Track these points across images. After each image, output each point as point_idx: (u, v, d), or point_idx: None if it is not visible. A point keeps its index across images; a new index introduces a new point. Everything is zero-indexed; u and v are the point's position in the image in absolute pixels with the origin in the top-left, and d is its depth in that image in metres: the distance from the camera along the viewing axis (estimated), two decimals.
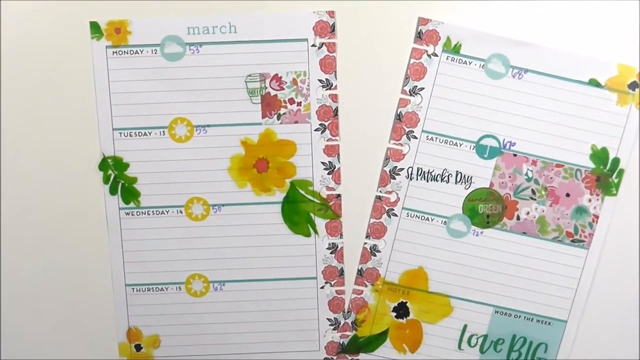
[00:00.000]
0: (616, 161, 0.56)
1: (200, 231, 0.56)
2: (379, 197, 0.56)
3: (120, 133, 0.55)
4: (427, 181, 0.56)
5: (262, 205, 0.56)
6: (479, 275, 0.57)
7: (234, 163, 0.56)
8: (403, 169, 0.56)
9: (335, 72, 0.55)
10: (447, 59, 0.55)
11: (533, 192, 0.56)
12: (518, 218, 0.56)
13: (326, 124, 0.55)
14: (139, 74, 0.54)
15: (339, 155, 0.56)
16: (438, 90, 0.55)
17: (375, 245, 0.57)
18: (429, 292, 0.57)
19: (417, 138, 0.55)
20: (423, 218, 0.56)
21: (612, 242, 0.56)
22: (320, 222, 0.56)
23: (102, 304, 0.57)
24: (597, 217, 0.56)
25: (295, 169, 0.56)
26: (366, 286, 0.57)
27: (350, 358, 0.58)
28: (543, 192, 0.56)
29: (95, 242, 0.56)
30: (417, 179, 0.56)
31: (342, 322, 0.58)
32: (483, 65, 0.55)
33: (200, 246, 0.56)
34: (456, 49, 0.55)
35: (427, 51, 0.55)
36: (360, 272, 0.57)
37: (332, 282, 0.57)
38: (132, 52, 0.54)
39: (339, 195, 0.56)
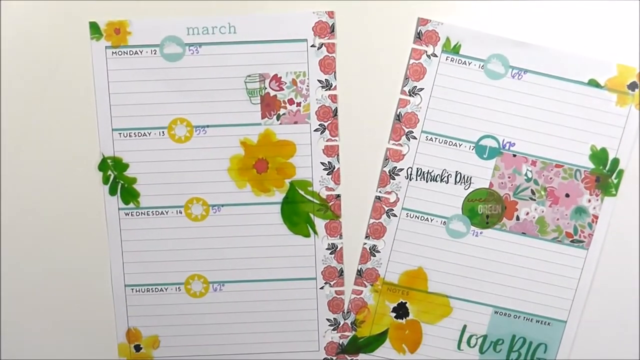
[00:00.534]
0: (616, 162, 0.56)
1: (199, 231, 0.56)
2: (378, 198, 0.56)
3: (120, 133, 0.55)
4: (427, 181, 0.56)
5: (262, 205, 0.56)
6: (478, 276, 0.57)
7: (234, 163, 0.56)
8: (402, 169, 0.56)
9: (335, 72, 0.55)
10: (446, 59, 0.55)
11: (532, 192, 0.56)
12: (517, 218, 0.56)
13: (326, 124, 0.55)
14: (139, 75, 0.54)
15: (338, 155, 0.56)
16: (437, 91, 0.55)
17: (374, 245, 0.57)
18: (428, 292, 0.57)
19: (416, 138, 0.55)
20: (422, 218, 0.56)
21: (612, 243, 0.56)
22: (320, 223, 0.56)
23: (101, 304, 0.57)
24: (596, 217, 0.56)
25: (294, 170, 0.56)
26: (366, 286, 0.57)
27: (349, 358, 0.58)
28: (542, 193, 0.56)
29: (95, 243, 0.56)
30: (416, 180, 0.56)
31: (341, 323, 0.58)
32: (482, 66, 0.55)
33: (199, 246, 0.56)
34: (456, 50, 0.55)
35: (426, 52, 0.55)
36: (359, 273, 0.57)
37: (332, 283, 0.57)
38: (131, 53, 0.54)
39: (338, 196, 0.56)
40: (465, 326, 0.57)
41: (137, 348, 0.58)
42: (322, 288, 0.57)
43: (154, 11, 0.54)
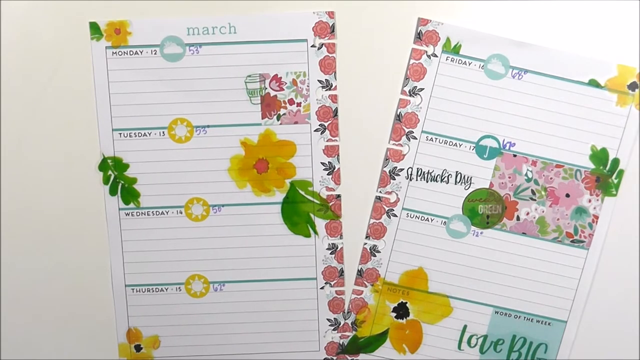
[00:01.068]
0: (616, 162, 0.56)
1: (200, 232, 0.56)
2: (378, 198, 0.56)
3: (120, 134, 0.55)
4: (427, 182, 0.56)
5: (262, 205, 0.56)
6: (478, 276, 0.57)
7: (234, 163, 0.56)
8: (403, 169, 0.56)
9: (335, 72, 0.55)
10: (446, 59, 0.55)
11: (533, 192, 0.56)
12: (518, 218, 0.56)
13: (326, 124, 0.55)
14: (139, 75, 0.54)
15: (338, 155, 0.56)
16: (438, 91, 0.55)
17: (375, 245, 0.57)
18: (428, 292, 0.57)
19: (416, 139, 0.55)
20: (423, 218, 0.56)
21: (612, 243, 0.56)
22: (320, 223, 0.56)
23: (102, 304, 0.57)
24: (597, 217, 0.56)
25: (295, 170, 0.56)
26: (366, 286, 0.57)
27: (350, 358, 0.58)
28: (543, 193, 0.56)
29: (95, 243, 0.56)
30: (416, 180, 0.56)
31: (342, 323, 0.58)
32: (483, 66, 0.55)
33: (200, 247, 0.56)
34: (456, 50, 0.55)
35: (426, 52, 0.55)
36: (360, 273, 0.57)
37: (332, 283, 0.57)
38: (131, 53, 0.54)
39: (338, 196, 0.56)
40: (465, 326, 0.57)
41: (138, 348, 0.58)
42: (322, 288, 0.57)
43: (154, 11, 0.54)
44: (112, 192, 0.56)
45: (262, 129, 0.55)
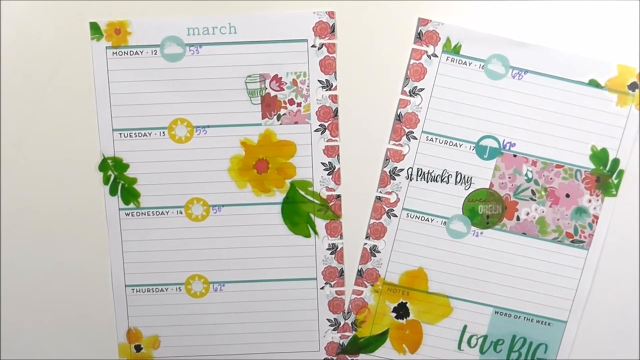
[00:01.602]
0: (616, 162, 0.56)
1: (200, 232, 0.56)
2: (378, 198, 0.56)
3: (120, 134, 0.55)
4: (427, 182, 0.56)
5: (262, 205, 0.56)
6: (478, 276, 0.57)
7: (234, 164, 0.56)
8: (403, 169, 0.56)
9: (335, 72, 0.55)
10: (447, 59, 0.55)
11: (533, 192, 0.56)
12: (518, 219, 0.56)
13: (326, 124, 0.55)
14: (139, 75, 0.54)
15: (338, 155, 0.56)
16: (438, 91, 0.55)
17: (375, 245, 0.57)
18: (428, 292, 0.57)
19: (417, 139, 0.55)
20: (423, 219, 0.56)
21: (612, 243, 0.56)
22: (320, 223, 0.56)
23: (102, 304, 0.57)
24: (597, 217, 0.56)
25: (295, 170, 0.56)
26: (366, 287, 0.57)
27: (350, 358, 0.58)
28: (543, 193, 0.56)
29: (95, 243, 0.56)
30: (417, 180, 0.56)
31: (342, 323, 0.58)
32: (483, 66, 0.55)
33: (200, 247, 0.56)
34: (456, 50, 0.55)
35: (427, 52, 0.55)
36: (360, 273, 0.57)
37: (332, 283, 0.57)
38: (132, 53, 0.54)
39: (338, 196, 0.56)
40: (465, 326, 0.57)
41: (138, 348, 0.58)
42: (322, 288, 0.57)
43: (155, 11, 0.54)
44: (112, 192, 0.56)
45: (262, 129, 0.55)
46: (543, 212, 0.56)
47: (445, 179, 0.56)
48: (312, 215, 0.56)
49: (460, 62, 0.55)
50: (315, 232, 0.56)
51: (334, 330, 0.58)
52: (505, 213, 0.56)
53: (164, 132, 0.55)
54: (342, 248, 0.57)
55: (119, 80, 0.54)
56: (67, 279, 0.57)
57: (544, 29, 0.55)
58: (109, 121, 0.55)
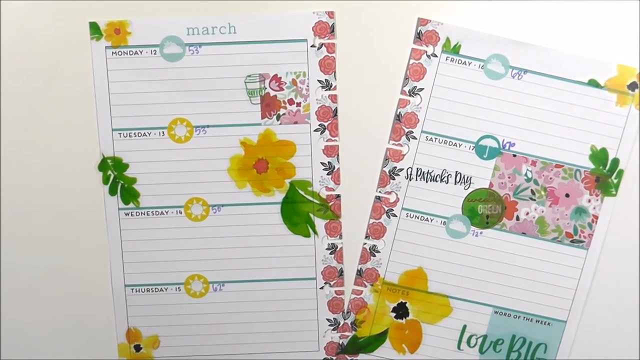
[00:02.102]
0: (615, 162, 0.56)
1: (199, 232, 0.56)
2: (378, 198, 0.56)
3: (120, 133, 0.55)
4: (427, 182, 0.56)
5: (262, 205, 0.56)
6: (478, 276, 0.57)
7: (234, 163, 0.56)
8: (402, 169, 0.56)
9: (335, 72, 0.55)
10: (446, 59, 0.55)
11: (532, 192, 0.56)
12: (517, 218, 0.56)
13: (325, 124, 0.55)
14: (139, 75, 0.54)
15: (338, 155, 0.56)
16: (437, 91, 0.55)
17: (374, 245, 0.57)
18: (428, 292, 0.57)
19: (416, 138, 0.55)
20: (422, 218, 0.56)
21: (612, 243, 0.56)
22: (320, 223, 0.56)
23: (101, 304, 0.57)
24: (596, 217, 0.56)
25: (294, 170, 0.56)
26: (365, 286, 0.57)
27: (349, 358, 0.58)
28: (542, 193, 0.56)
29: (95, 243, 0.56)
30: (416, 180, 0.56)
31: (341, 323, 0.58)
32: (482, 66, 0.55)
33: (199, 247, 0.56)
34: (455, 50, 0.55)
35: (426, 52, 0.55)
36: (359, 273, 0.57)
37: (332, 283, 0.57)
38: (131, 53, 0.54)
39: (338, 196, 0.56)
40: (465, 326, 0.57)
41: (137, 348, 0.58)
42: (322, 288, 0.57)
43: (154, 11, 0.54)
44: (112, 192, 0.56)
45: (262, 129, 0.55)
46: (543, 212, 0.56)
47: (445, 178, 0.56)
48: (311, 215, 0.56)
49: (460, 62, 0.55)
50: (315, 232, 0.56)
51: (333, 330, 0.58)
52: (504, 213, 0.56)
53: (163, 132, 0.55)
54: (341, 248, 0.57)
55: (118, 80, 0.54)
56: (66, 279, 0.57)
57: (544, 29, 0.55)
58: (108, 121, 0.55)
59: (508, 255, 0.57)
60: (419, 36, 0.55)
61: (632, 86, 0.55)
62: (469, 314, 0.57)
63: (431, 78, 0.55)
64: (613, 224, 0.56)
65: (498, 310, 0.57)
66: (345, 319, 0.58)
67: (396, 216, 0.56)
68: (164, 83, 0.55)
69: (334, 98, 0.55)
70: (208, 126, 0.55)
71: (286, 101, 0.55)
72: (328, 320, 0.58)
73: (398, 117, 0.55)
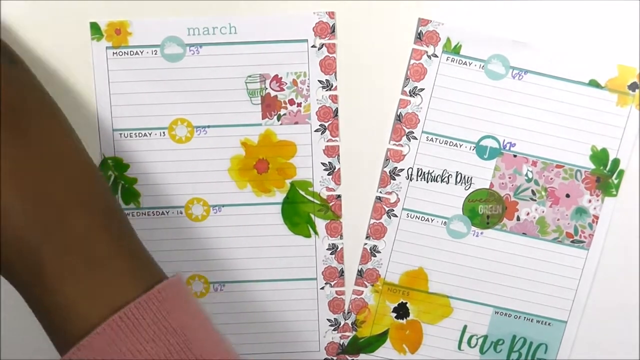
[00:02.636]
0: (616, 162, 0.56)
1: (200, 232, 0.56)
2: (379, 198, 0.56)
3: (121, 134, 0.55)
4: (427, 182, 0.56)
5: (262, 206, 0.56)
6: (478, 276, 0.57)
7: (234, 164, 0.56)
8: (403, 169, 0.56)
9: (336, 73, 0.55)
10: (447, 59, 0.55)
11: (533, 192, 0.56)
12: (518, 219, 0.56)
13: (326, 124, 0.55)
14: (139, 75, 0.54)
15: (339, 156, 0.56)
16: (438, 91, 0.55)
17: (375, 245, 0.57)
18: (429, 292, 0.57)
19: (417, 139, 0.55)
20: (423, 219, 0.56)
21: (612, 243, 0.56)
22: (320, 223, 0.56)
23: None
24: (597, 217, 0.56)
25: (295, 170, 0.56)
26: (366, 287, 0.57)
27: (350, 359, 0.58)
28: (543, 193, 0.56)
29: None
30: (417, 180, 0.56)
31: (342, 323, 0.58)
32: (483, 66, 0.55)
33: (200, 247, 0.56)
34: (456, 50, 0.55)
35: (427, 52, 0.55)
36: (360, 273, 0.57)
37: (332, 283, 0.57)
38: (132, 53, 0.54)
39: (339, 196, 0.56)
40: (465, 326, 0.58)
41: None
42: (322, 288, 0.57)
43: (155, 11, 0.54)
44: (113, 192, 0.56)
45: (263, 129, 0.55)
46: (543, 212, 0.56)
47: (446, 179, 0.56)
48: (312, 216, 0.56)
49: (461, 62, 0.55)
50: (316, 232, 0.56)
51: (334, 330, 0.58)
52: (505, 213, 0.56)
53: (164, 133, 0.55)
54: (342, 248, 0.57)
55: (119, 81, 0.54)
56: None
57: (545, 29, 0.54)
58: (109, 121, 0.55)
59: (508, 255, 0.57)
60: (419, 36, 0.55)
61: (633, 86, 0.55)
62: (469, 314, 0.57)
63: (432, 78, 0.55)
64: (614, 224, 0.56)
65: (498, 311, 0.57)
66: (345, 319, 0.58)
67: (397, 216, 0.56)
68: (164, 83, 0.54)
69: (334, 98, 0.55)
70: (209, 126, 0.55)
71: (287, 101, 0.55)
72: (329, 320, 0.58)
73: (399, 118, 0.55)
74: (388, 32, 0.55)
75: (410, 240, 0.57)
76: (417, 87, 0.55)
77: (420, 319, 0.58)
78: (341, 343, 0.58)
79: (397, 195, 0.56)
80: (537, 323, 0.57)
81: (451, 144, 0.55)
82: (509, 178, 0.56)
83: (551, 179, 0.56)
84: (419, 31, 0.55)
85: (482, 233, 0.56)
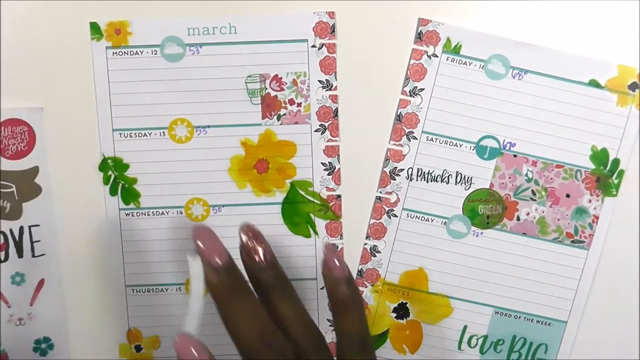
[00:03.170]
0: (616, 162, 0.56)
1: None
2: (379, 198, 0.56)
3: (121, 134, 0.55)
4: (427, 182, 0.56)
5: (262, 206, 0.56)
6: (478, 276, 0.57)
7: (234, 164, 0.56)
8: (403, 169, 0.56)
9: (336, 72, 0.55)
10: (447, 59, 0.55)
11: (533, 192, 0.56)
12: (518, 219, 0.56)
13: (326, 124, 0.55)
14: (139, 75, 0.54)
15: (339, 156, 0.56)
16: (438, 91, 0.55)
17: (375, 245, 0.57)
18: (429, 292, 0.57)
19: (417, 139, 0.55)
20: (423, 219, 0.56)
21: (612, 243, 0.56)
22: (321, 223, 0.56)
23: (101, 304, 0.57)
24: (597, 217, 0.56)
25: (295, 170, 0.56)
26: (366, 287, 0.57)
27: None
28: (543, 193, 0.56)
29: (95, 243, 0.56)
30: (417, 180, 0.56)
31: None
32: (483, 66, 0.55)
33: None
34: (456, 50, 0.55)
35: (427, 52, 0.55)
36: (360, 273, 0.57)
37: None
38: (132, 53, 0.54)
39: (339, 196, 0.56)
40: (465, 326, 0.57)
41: (138, 348, 0.58)
42: (322, 288, 0.57)
43: (155, 11, 0.54)
44: (113, 192, 0.56)
45: (263, 129, 0.55)
46: (543, 212, 0.56)
47: (446, 179, 0.56)
48: (312, 216, 0.56)
49: (461, 62, 0.55)
50: (316, 233, 0.56)
51: (334, 330, 0.58)
52: (505, 213, 0.56)
53: (164, 132, 0.55)
54: (342, 248, 0.57)
55: (119, 81, 0.54)
56: (67, 279, 0.57)
57: (544, 29, 0.55)
58: (109, 121, 0.55)
59: (508, 255, 0.57)
60: (419, 36, 0.55)
61: (633, 86, 0.55)
62: (469, 315, 0.57)
63: (432, 78, 0.55)
64: (614, 224, 0.56)
65: (498, 311, 0.57)
66: None
67: (397, 216, 0.56)
68: (164, 83, 0.54)
69: (334, 98, 0.55)
70: (209, 126, 0.55)
71: (287, 101, 0.55)
72: (329, 320, 0.58)
73: (399, 118, 0.55)
74: (388, 32, 0.55)
75: (410, 240, 0.57)
76: (417, 87, 0.55)
77: (420, 319, 0.58)
78: None
79: (397, 195, 0.56)
80: (537, 323, 0.57)
81: (451, 144, 0.55)
82: (509, 178, 0.56)
83: (551, 179, 0.56)
84: (419, 31, 0.55)
85: (482, 233, 0.56)
